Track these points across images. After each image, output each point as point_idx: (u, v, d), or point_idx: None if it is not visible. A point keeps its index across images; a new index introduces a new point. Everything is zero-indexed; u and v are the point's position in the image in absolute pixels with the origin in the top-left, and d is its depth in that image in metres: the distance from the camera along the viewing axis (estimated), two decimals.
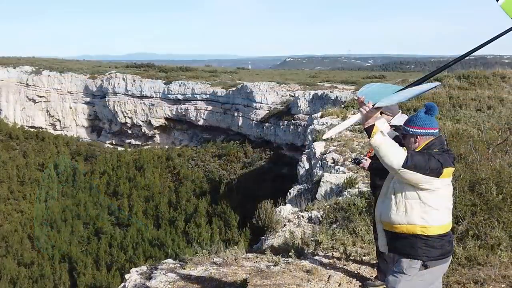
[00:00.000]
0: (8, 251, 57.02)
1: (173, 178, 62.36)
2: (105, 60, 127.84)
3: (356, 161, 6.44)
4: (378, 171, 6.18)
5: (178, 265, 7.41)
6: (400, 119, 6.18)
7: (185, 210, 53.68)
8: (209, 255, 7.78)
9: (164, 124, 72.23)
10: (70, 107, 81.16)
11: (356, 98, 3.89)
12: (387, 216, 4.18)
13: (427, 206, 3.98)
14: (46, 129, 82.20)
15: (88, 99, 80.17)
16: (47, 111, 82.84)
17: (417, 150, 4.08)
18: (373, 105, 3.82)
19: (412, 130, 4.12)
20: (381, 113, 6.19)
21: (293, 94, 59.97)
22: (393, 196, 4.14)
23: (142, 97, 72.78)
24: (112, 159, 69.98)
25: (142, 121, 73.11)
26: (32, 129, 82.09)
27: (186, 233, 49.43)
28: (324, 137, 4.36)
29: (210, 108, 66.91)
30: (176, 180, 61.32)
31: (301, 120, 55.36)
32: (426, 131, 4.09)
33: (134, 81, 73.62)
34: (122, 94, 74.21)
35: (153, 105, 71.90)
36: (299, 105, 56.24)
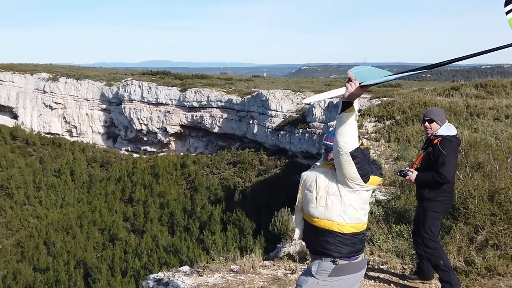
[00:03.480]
0: (24, 257, 57.41)
1: (188, 185, 62.46)
2: (121, 67, 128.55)
3: (402, 174, 6.30)
4: (426, 183, 6.14)
5: (195, 272, 7.40)
6: (446, 129, 6.13)
7: (199, 217, 53.69)
8: (226, 262, 7.77)
9: (179, 131, 72.37)
10: (87, 114, 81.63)
11: (348, 77, 3.90)
12: (307, 208, 4.19)
13: (347, 205, 4.00)
14: (62, 135, 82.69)
15: (104, 106, 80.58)
16: (64, 117, 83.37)
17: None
18: (360, 84, 3.82)
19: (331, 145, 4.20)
20: (431, 121, 6.20)
21: (308, 102, 59.89)
22: (315, 189, 4.15)
23: (157, 104, 73.01)
24: (128, 165, 70.29)
25: (158, 128, 73.31)
26: (48, 136, 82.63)
27: (201, 240, 49.42)
28: (305, 101, 4.38)
29: (225, 115, 66.96)
30: (191, 187, 61.40)
31: (316, 128, 55.27)
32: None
33: (150, 88, 73.88)
34: (138, 101, 74.51)
35: (168, 112, 72.10)
36: (314, 113, 56.17)
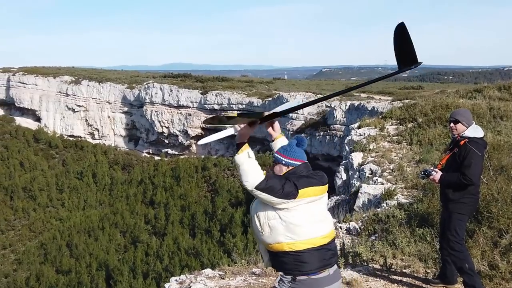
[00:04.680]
0: (47, 259, 58.00)
1: (209, 187, 62.62)
2: (143, 70, 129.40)
3: (426, 173, 6.26)
4: (451, 184, 6.10)
5: (217, 275, 7.41)
6: (473, 130, 6.09)
7: (220, 219, 53.76)
8: (247, 265, 7.77)
9: (200, 134, 72.57)
10: (108, 117, 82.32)
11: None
12: (259, 238, 4.22)
13: (289, 223, 3.99)
14: (85, 138, 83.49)
15: (126, 109, 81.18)
16: (86, 120, 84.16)
17: (283, 174, 4.22)
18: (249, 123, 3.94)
19: (284, 160, 4.27)
20: (456, 122, 6.15)
21: (329, 105, 59.73)
22: (256, 219, 4.17)
23: (179, 106, 73.40)
24: (149, 168, 70.68)
25: (179, 131, 73.68)
26: (71, 138, 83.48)
27: (222, 243, 49.50)
28: (199, 143, 4.50)
29: None
30: (212, 189, 61.54)
31: (337, 131, 55.10)
32: (296, 162, 4.25)
33: (171, 91, 74.29)
34: (159, 103, 74.95)
35: (189, 114, 72.43)
36: (335, 115, 56.00)
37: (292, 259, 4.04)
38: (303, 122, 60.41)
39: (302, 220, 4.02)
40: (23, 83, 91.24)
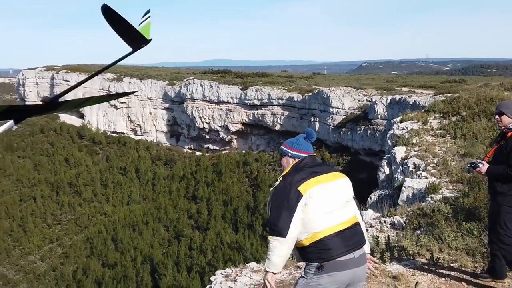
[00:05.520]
0: (93, 252, 59.14)
1: (250, 182, 62.86)
2: (183, 67, 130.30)
3: (473, 165, 6.22)
4: (498, 176, 6.07)
5: (262, 268, 7.52)
6: None
7: (262, 214, 53.93)
8: (292, 259, 7.87)
9: (241, 129, 72.86)
10: (150, 113, 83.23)
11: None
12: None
13: (306, 222, 4.10)
14: (127, 134, 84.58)
15: (167, 105, 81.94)
16: (128, 116, 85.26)
17: (290, 166, 4.35)
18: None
19: (290, 152, 4.43)
20: (501, 114, 6.09)
21: (370, 99, 59.27)
22: None
23: (219, 102, 73.72)
24: (191, 163, 71.31)
25: (220, 126, 74.01)
26: (114, 134, 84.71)
27: (264, 237, 49.64)
28: None
29: (286, 113, 67.01)
30: (254, 184, 61.76)
31: (379, 125, 54.63)
32: (302, 154, 4.41)
33: (212, 87, 74.64)
34: (200, 99, 75.40)
35: (230, 110, 72.69)
36: (376, 110, 55.52)
37: (314, 249, 4.14)
38: (344, 116, 60.02)
39: (315, 214, 4.12)
40: (67, 81, 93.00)
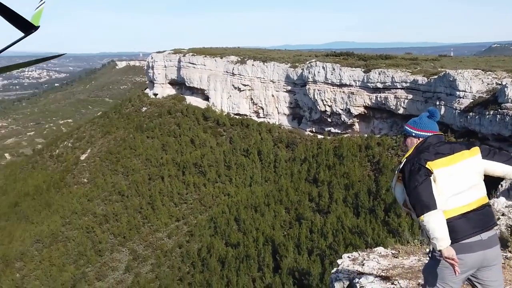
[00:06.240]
0: (217, 232, 61.11)
1: (372, 167, 62.11)
2: (305, 49, 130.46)
3: None
4: None
5: (390, 253, 7.54)
6: None
7: (384, 199, 53.22)
8: (421, 245, 7.83)
9: (363, 113, 71.95)
10: (272, 95, 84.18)
11: None
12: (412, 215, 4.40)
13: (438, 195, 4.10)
14: (250, 116, 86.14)
15: (289, 88, 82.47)
16: (251, 99, 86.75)
17: (414, 147, 4.40)
18: None
19: (414, 132, 4.46)
20: None
21: (500, 82, 56.52)
22: (402, 201, 4.48)
23: (341, 85, 73.17)
24: (313, 146, 71.54)
25: (342, 109, 73.52)
26: (237, 116, 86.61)
27: (386, 222, 49.10)
28: None
29: (410, 96, 65.33)
30: (376, 169, 60.96)
31: (509, 110, 52.01)
32: (426, 133, 4.44)
33: (334, 69, 74.19)
34: (322, 82, 75.22)
35: (352, 93, 71.97)
36: (507, 93, 52.82)
37: None
38: (471, 100, 57.63)
39: (441, 197, 4.12)
40: (193, 64, 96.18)
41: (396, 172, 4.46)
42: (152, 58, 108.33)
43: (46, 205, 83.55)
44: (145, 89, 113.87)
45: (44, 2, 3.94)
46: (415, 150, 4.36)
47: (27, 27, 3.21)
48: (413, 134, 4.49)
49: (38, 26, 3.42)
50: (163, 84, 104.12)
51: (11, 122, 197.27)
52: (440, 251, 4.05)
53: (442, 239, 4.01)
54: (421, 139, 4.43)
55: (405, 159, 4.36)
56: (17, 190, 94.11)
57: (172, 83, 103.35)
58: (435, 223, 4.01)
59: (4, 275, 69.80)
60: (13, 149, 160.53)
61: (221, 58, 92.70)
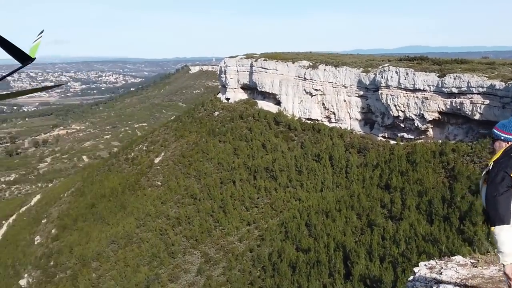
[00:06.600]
0: (288, 236, 61.29)
1: (446, 173, 60.76)
2: (378, 54, 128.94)
3: None
4: None
5: (469, 262, 7.44)
6: None
7: (459, 207, 51.96)
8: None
9: (437, 118, 70.48)
10: (344, 100, 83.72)
11: None
12: None
13: None
14: (321, 121, 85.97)
15: (361, 93, 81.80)
16: (323, 103, 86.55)
17: (502, 150, 4.33)
18: None
19: (503, 135, 4.41)
20: None
21: None
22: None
23: (414, 90, 71.97)
24: (385, 152, 70.69)
25: (415, 115, 72.29)
26: (308, 121, 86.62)
27: (461, 231, 47.91)
28: None
29: (487, 102, 63.52)
30: (450, 176, 59.59)
31: None
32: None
33: (407, 74, 73.08)
34: (395, 87, 74.25)
35: (426, 98, 70.65)
36: None
37: None
38: None
39: None
40: (265, 68, 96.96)
41: (483, 174, 4.49)
42: (224, 63, 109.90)
43: (122, 207, 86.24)
44: (218, 94, 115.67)
45: (41, 36, 4.33)
46: (503, 154, 4.34)
47: (24, 58, 3.58)
48: (502, 138, 4.45)
49: (34, 58, 3.77)
50: (235, 88, 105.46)
51: (88, 126, 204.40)
52: (503, 265, 4.09)
53: (508, 254, 4.04)
54: (510, 143, 4.43)
55: (492, 163, 4.35)
56: (94, 192, 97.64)
57: (244, 87, 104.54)
58: (506, 238, 4.02)
59: (81, 275, 72.50)
60: (90, 152, 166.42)
61: (293, 62, 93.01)
